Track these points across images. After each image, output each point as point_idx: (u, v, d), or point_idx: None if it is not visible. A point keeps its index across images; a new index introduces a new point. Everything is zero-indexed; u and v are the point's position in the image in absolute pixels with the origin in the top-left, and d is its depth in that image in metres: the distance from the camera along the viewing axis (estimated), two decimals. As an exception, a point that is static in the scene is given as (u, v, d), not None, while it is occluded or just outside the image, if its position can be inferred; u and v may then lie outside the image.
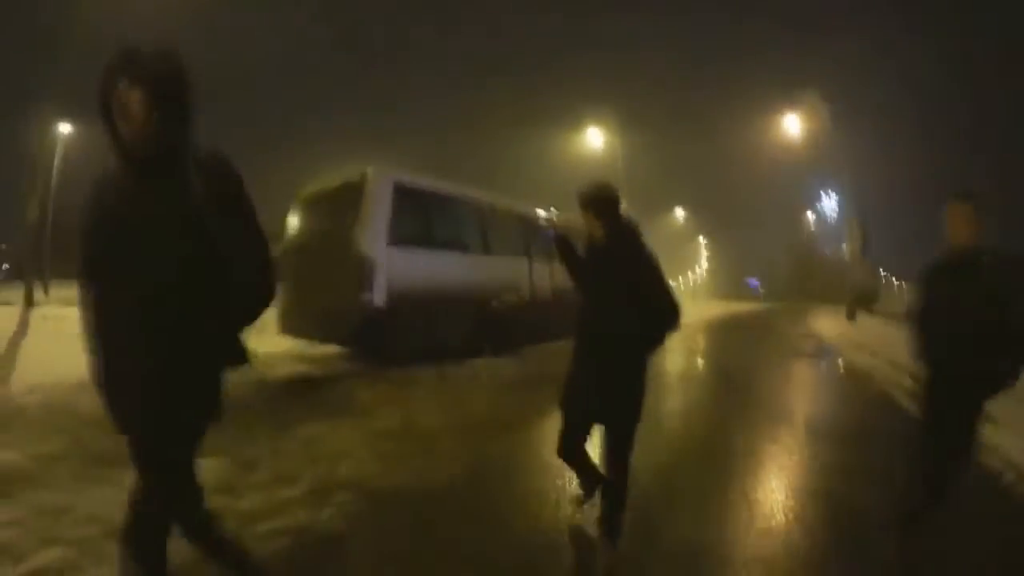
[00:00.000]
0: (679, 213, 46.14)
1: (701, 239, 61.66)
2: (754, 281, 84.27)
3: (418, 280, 6.46)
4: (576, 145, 26.70)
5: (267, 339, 7.73)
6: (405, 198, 6.47)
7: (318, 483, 2.90)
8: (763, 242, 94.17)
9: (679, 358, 9.29)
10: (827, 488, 3.17)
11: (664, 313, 2.18)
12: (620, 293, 2.20)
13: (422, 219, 6.84)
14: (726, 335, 15.54)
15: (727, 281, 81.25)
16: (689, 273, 63.82)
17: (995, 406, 2.22)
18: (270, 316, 7.63)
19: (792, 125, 22.97)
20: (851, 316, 21.52)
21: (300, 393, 5.29)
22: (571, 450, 2.41)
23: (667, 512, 2.78)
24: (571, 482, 2.94)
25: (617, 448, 2.29)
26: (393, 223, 6.23)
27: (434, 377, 5.98)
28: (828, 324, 20.74)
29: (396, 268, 6.16)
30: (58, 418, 3.96)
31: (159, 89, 1.30)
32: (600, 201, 2.30)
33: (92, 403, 4.12)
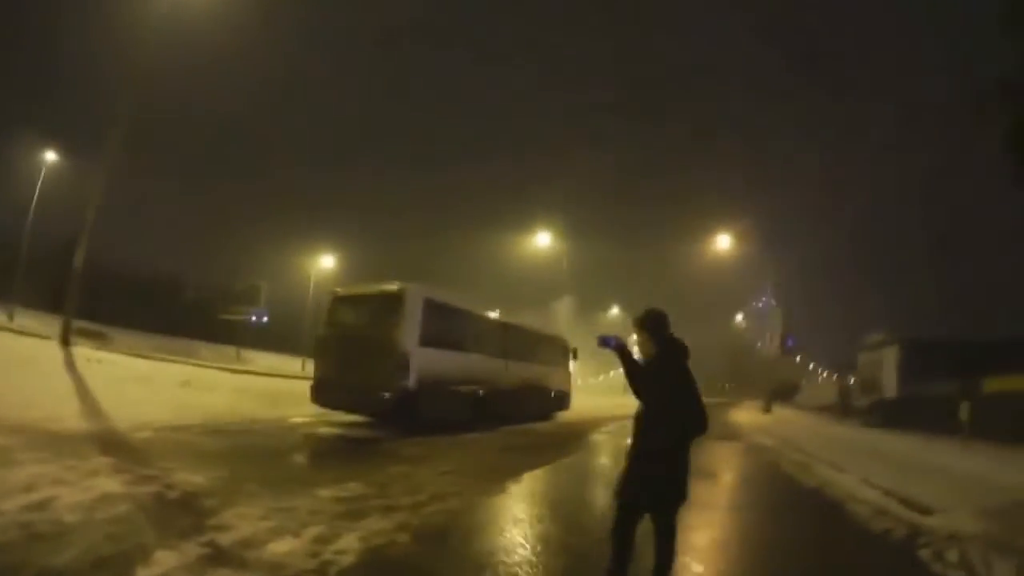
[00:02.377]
0: (615, 311, 50.08)
1: (634, 337, 65.91)
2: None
3: (437, 371, 8.75)
4: (526, 246, 30.16)
5: (299, 408, 9.56)
6: (431, 309, 8.85)
7: (434, 493, 4.88)
8: (697, 342, 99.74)
9: (618, 440, 11.78)
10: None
11: (698, 417, 2.62)
12: (667, 397, 2.62)
13: (442, 325, 9.20)
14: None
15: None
16: (621, 369, 67.23)
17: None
18: (304, 388, 9.46)
19: (725, 242, 25.68)
20: (767, 409, 24.96)
21: (363, 449, 7.29)
22: (623, 531, 2.69)
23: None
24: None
25: (666, 530, 2.67)
26: (423, 327, 8.54)
27: (447, 443, 8.03)
28: (746, 416, 24.66)
29: (423, 361, 8.41)
30: (190, 452, 5.43)
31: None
32: (651, 323, 2.77)
33: (206, 442, 6.59)
